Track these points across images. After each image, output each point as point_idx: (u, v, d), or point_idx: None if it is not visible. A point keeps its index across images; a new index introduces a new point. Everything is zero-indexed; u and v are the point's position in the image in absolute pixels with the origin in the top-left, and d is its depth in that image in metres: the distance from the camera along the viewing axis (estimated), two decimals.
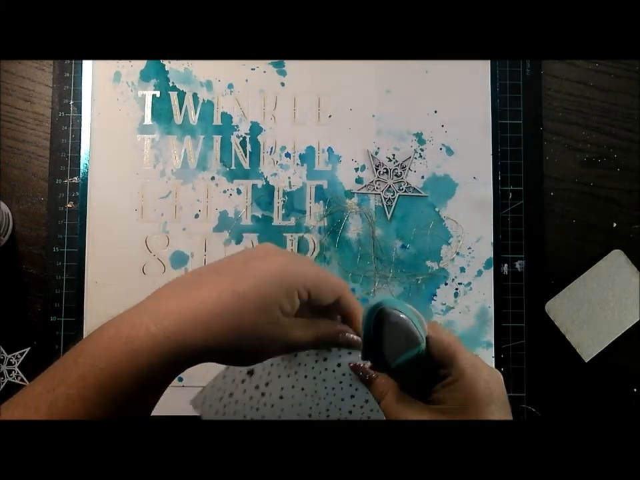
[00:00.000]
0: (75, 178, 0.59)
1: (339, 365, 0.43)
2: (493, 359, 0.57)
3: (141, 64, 0.60)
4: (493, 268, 0.58)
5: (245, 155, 0.59)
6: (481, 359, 0.36)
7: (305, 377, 0.43)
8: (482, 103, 0.60)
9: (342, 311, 0.37)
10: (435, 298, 0.58)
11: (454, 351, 0.35)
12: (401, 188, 0.59)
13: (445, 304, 0.58)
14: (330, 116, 0.60)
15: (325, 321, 0.37)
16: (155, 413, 0.55)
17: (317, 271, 0.35)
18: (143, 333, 0.31)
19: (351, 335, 0.37)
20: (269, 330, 0.33)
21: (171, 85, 0.60)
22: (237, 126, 0.60)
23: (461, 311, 0.58)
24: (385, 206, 0.59)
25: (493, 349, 0.58)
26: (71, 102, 0.59)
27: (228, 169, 0.59)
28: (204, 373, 0.54)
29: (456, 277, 0.58)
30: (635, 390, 0.58)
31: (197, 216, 0.59)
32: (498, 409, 0.34)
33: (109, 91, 0.59)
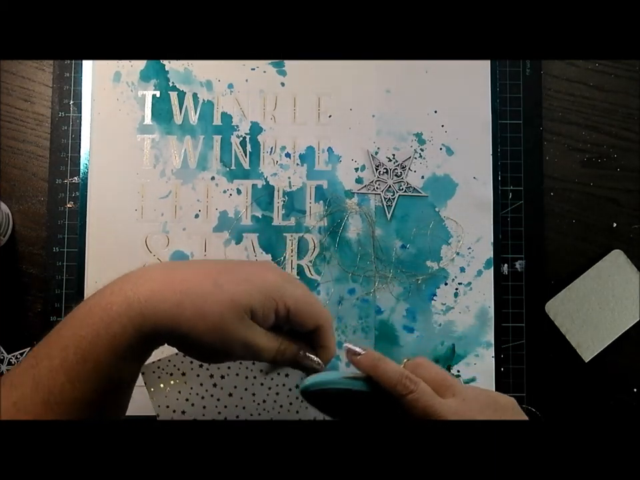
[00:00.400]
0: (75, 178, 0.59)
1: (296, 386, 0.42)
2: (493, 358, 0.58)
3: (140, 64, 0.60)
4: (493, 268, 0.58)
5: (245, 155, 0.59)
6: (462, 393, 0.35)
7: (261, 384, 0.43)
8: (482, 103, 0.60)
9: (317, 342, 0.37)
10: (435, 298, 0.58)
11: (425, 412, 0.33)
12: (400, 188, 0.59)
13: (445, 304, 0.58)
14: (330, 116, 0.60)
15: (289, 339, 0.37)
16: (153, 412, 0.55)
17: (304, 295, 0.36)
18: (120, 298, 0.32)
19: (312, 357, 0.37)
20: (232, 326, 0.33)
21: (170, 84, 0.60)
22: (237, 126, 0.60)
23: (461, 310, 0.58)
24: (385, 206, 0.59)
25: (493, 348, 0.58)
26: (71, 102, 0.59)
27: (228, 169, 0.59)
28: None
29: (456, 277, 0.58)
30: (635, 390, 0.58)
31: (197, 216, 0.59)
32: None
33: (108, 91, 0.59)
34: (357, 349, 0.35)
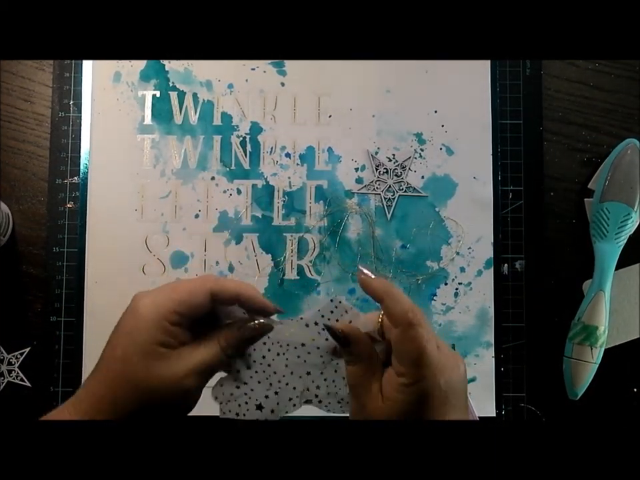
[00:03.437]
0: (75, 178, 0.59)
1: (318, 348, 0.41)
2: (493, 358, 0.58)
3: (141, 64, 0.60)
4: (493, 268, 0.58)
5: (245, 155, 0.59)
6: (444, 353, 0.33)
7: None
8: (482, 103, 0.60)
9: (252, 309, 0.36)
10: (435, 298, 0.58)
11: (420, 350, 0.32)
12: (401, 188, 0.59)
13: (445, 304, 0.58)
14: (330, 116, 0.60)
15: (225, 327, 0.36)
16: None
17: (175, 289, 0.34)
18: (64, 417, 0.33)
19: (260, 321, 0.36)
20: (158, 372, 0.33)
21: (171, 85, 0.60)
22: (237, 126, 0.60)
23: (461, 310, 0.58)
24: (385, 206, 0.59)
25: (492, 349, 0.58)
26: (71, 102, 0.59)
27: (228, 169, 0.59)
28: None
29: (456, 277, 0.58)
30: (635, 390, 0.58)
31: (197, 216, 0.59)
32: (454, 411, 0.32)
33: (109, 90, 0.59)
34: (370, 273, 0.35)
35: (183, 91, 0.60)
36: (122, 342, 0.33)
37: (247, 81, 0.60)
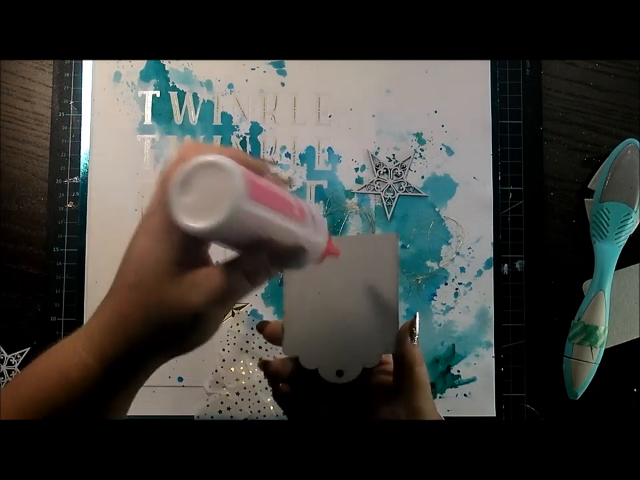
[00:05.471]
0: (75, 178, 0.59)
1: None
2: (493, 358, 0.57)
3: (141, 64, 0.60)
4: (493, 268, 0.58)
5: None
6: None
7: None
8: (482, 103, 0.60)
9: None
10: (435, 298, 0.58)
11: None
12: (401, 188, 0.59)
13: (445, 304, 0.58)
14: (330, 116, 0.60)
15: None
16: (156, 412, 0.55)
17: None
18: (75, 361, 0.30)
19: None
20: (171, 292, 0.29)
21: (171, 85, 0.60)
22: (237, 126, 0.60)
23: (461, 311, 0.58)
24: (385, 206, 0.59)
25: (492, 348, 0.58)
26: (71, 102, 0.59)
27: None
28: (204, 373, 0.54)
29: (456, 277, 0.58)
30: (635, 390, 0.58)
31: None
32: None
33: (109, 90, 0.59)
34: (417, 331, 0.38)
35: (182, 91, 0.60)
36: (132, 267, 0.30)
37: (247, 81, 0.60)
